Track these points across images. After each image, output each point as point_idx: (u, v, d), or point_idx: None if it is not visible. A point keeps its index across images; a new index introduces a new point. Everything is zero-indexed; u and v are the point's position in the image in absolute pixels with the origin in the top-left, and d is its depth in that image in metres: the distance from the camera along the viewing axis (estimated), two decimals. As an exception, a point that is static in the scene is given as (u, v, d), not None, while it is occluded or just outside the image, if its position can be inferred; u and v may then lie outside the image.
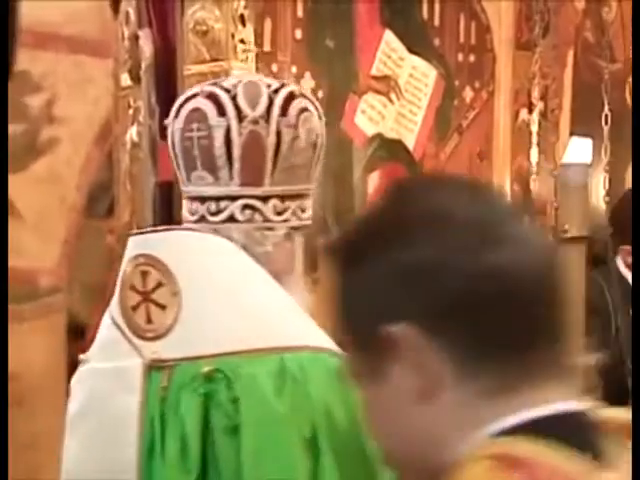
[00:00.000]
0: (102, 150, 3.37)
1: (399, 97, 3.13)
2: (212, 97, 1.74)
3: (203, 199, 1.75)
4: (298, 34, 2.92)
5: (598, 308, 3.38)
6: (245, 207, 1.74)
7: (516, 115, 3.44)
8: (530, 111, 3.44)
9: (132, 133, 2.83)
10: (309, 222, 1.81)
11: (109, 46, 2.99)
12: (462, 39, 3.32)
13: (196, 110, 1.73)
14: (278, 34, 2.87)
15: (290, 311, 1.72)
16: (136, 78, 2.78)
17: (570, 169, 3.06)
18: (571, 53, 3.64)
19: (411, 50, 3.16)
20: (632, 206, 2.62)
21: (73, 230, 3.46)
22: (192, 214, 1.77)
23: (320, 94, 2.95)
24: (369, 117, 3.06)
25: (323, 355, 1.63)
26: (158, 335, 1.69)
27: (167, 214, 2.59)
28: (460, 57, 3.32)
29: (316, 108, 1.82)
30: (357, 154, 3.04)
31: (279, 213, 1.76)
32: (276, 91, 1.75)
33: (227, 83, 1.78)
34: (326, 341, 1.63)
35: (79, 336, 3.45)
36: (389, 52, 3.11)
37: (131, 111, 2.84)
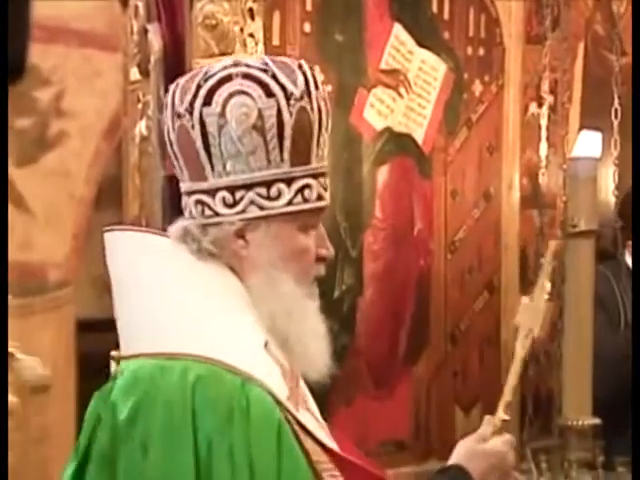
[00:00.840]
0: (111, 144, 3.38)
1: (408, 91, 3.13)
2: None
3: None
4: (307, 28, 2.92)
5: (607, 302, 3.38)
6: (197, 202, 1.70)
7: (525, 109, 3.44)
8: (540, 105, 3.43)
9: (141, 127, 2.83)
10: (293, 208, 1.68)
11: (118, 40, 3.00)
12: (472, 32, 3.31)
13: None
14: (287, 28, 2.88)
15: (180, 317, 1.64)
16: (145, 72, 2.79)
17: (579, 163, 3.05)
18: (581, 46, 3.63)
19: (420, 44, 3.16)
20: (632, 206, 2.62)
21: (82, 224, 3.47)
22: None
23: (329, 88, 2.95)
24: (378, 111, 3.06)
25: (178, 363, 1.57)
26: None
27: (176, 208, 2.60)
28: (469, 50, 3.32)
29: (262, 85, 1.67)
30: (366, 148, 3.04)
31: (230, 205, 1.67)
32: (206, 80, 1.68)
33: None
34: (212, 350, 1.58)
35: (88, 329, 3.46)
36: (398, 46, 3.11)
37: (140, 105, 2.85)
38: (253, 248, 1.68)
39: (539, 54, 3.39)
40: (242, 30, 2.66)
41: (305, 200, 1.69)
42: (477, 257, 3.30)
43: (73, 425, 3.15)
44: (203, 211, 1.69)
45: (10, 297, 3.29)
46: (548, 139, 3.35)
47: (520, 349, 2.07)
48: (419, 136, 3.16)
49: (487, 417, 1.99)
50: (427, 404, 3.18)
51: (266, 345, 1.63)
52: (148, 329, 1.65)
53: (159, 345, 1.61)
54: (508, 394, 2.03)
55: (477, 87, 3.33)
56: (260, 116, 1.65)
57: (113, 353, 2.34)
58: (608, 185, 3.33)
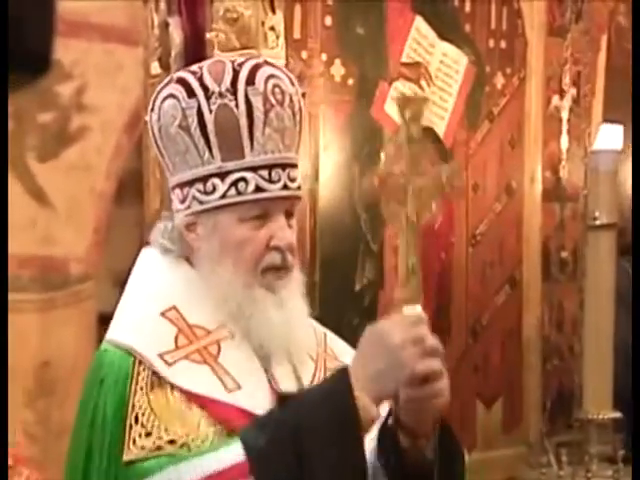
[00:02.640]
0: (132, 138, 3.39)
1: (429, 84, 3.14)
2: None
3: None
4: (328, 21, 2.94)
5: (627, 296, 3.38)
6: (170, 200, 1.85)
7: (548, 102, 3.44)
8: (562, 97, 3.43)
9: (162, 121, 2.85)
10: (225, 201, 1.77)
11: (139, 34, 3.01)
12: (493, 25, 3.32)
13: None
14: (308, 21, 2.89)
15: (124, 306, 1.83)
16: (166, 66, 2.80)
17: (600, 156, 3.05)
18: (604, 38, 3.63)
19: (442, 36, 3.17)
20: (632, 206, 2.62)
21: (103, 218, 3.49)
22: None
23: (350, 81, 2.96)
24: (399, 104, 3.07)
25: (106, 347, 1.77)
26: None
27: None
28: (491, 43, 3.32)
29: (185, 86, 1.77)
30: (387, 142, 3.05)
31: (181, 201, 1.81)
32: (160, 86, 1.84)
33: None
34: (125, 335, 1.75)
35: (109, 324, 3.48)
36: (419, 39, 3.12)
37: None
38: (201, 241, 1.80)
39: (561, 46, 3.39)
40: (263, 24, 2.68)
41: (239, 193, 1.76)
42: (498, 251, 3.30)
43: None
44: (171, 207, 1.85)
45: (32, 292, 3.33)
46: (569, 132, 3.35)
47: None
48: (441, 129, 3.17)
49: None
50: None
51: (165, 312, 1.77)
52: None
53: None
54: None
55: (499, 80, 3.34)
56: (184, 116, 1.76)
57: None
58: (630, 178, 3.33)
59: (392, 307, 1.79)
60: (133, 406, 1.68)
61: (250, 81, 1.76)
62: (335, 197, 2.96)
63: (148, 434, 1.66)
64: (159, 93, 1.81)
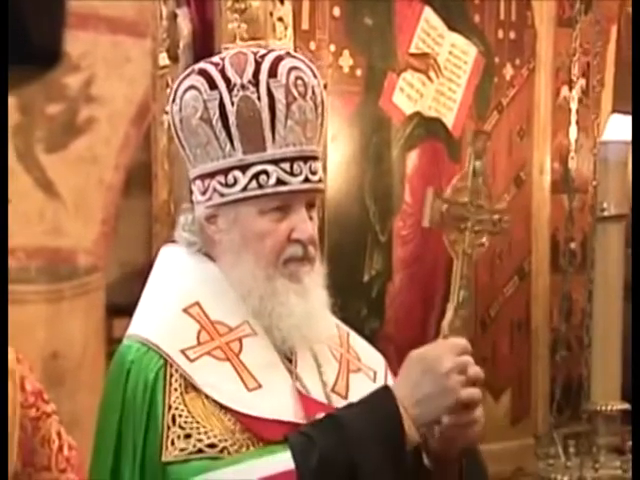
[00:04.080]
0: (140, 130, 3.41)
1: (438, 75, 3.15)
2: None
3: None
4: (336, 12, 2.94)
5: (636, 286, 3.39)
6: (190, 192, 1.86)
7: (557, 92, 3.44)
8: (571, 88, 3.43)
9: (170, 112, 2.86)
10: (246, 194, 1.77)
11: (147, 25, 3.02)
12: (502, 16, 3.32)
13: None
14: (316, 12, 2.90)
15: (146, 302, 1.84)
16: (174, 57, 2.82)
17: (609, 146, 3.06)
18: (614, 29, 3.63)
19: (451, 27, 3.17)
20: (632, 206, 2.63)
21: (111, 210, 3.50)
22: None
23: (358, 72, 2.97)
24: (408, 95, 3.08)
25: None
26: None
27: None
28: (500, 34, 3.33)
29: (207, 78, 1.78)
30: (395, 133, 3.06)
31: (202, 193, 1.81)
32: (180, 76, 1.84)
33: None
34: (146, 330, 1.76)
35: (117, 315, 3.50)
36: (428, 29, 3.12)
37: (169, 90, 2.87)
38: (222, 233, 1.80)
39: (571, 37, 3.40)
40: (271, 14, 2.69)
41: (260, 186, 1.76)
42: (507, 242, 3.31)
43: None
44: (192, 199, 1.85)
45: (40, 283, 3.34)
46: (578, 123, 3.35)
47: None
48: (449, 120, 3.18)
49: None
50: (457, 390, 3.20)
51: (188, 309, 1.78)
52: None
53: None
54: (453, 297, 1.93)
55: (508, 71, 3.34)
56: (206, 108, 1.76)
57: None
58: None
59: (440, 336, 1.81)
60: (169, 407, 1.68)
61: (272, 73, 1.76)
62: (343, 188, 2.97)
63: (187, 436, 1.67)
64: (180, 84, 1.81)
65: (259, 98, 1.75)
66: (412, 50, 3.09)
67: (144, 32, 3.11)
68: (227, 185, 1.77)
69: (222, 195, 1.77)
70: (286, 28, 2.73)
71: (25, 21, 0.91)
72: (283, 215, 1.78)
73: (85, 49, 3.24)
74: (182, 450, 1.66)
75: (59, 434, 1.66)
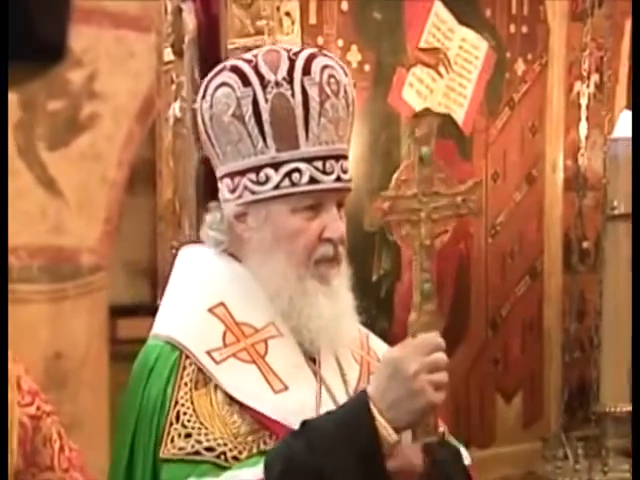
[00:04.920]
0: (144, 126, 3.42)
1: (448, 70, 3.15)
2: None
3: None
4: (344, 6, 2.95)
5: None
6: (219, 189, 1.88)
7: (570, 88, 3.44)
8: (584, 84, 3.43)
9: (175, 108, 2.87)
10: (279, 192, 1.79)
11: (151, 20, 3.03)
12: (514, 10, 3.32)
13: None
14: (324, 6, 2.90)
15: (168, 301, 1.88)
16: (179, 52, 2.82)
17: (620, 143, 3.05)
18: (628, 23, 3.63)
19: (461, 21, 3.17)
20: (632, 205, 2.63)
21: (115, 208, 3.51)
22: None
23: (367, 68, 2.98)
24: (417, 91, 3.08)
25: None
26: None
27: (211, 191, 2.64)
28: (512, 28, 3.32)
29: (240, 75, 1.80)
30: (404, 129, 3.06)
31: (231, 191, 1.82)
32: (210, 75, 1.88)
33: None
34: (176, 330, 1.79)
35: (121, 315, 3.51)
36: (438, 24, 3.12)
37: (174, 86, 2.88)
38: (252, 231, 1.82)
39: (584, 32, 3.39)
40: (278, 9, 2.69)
41: (293, 184, 1.78)
42: (519, 241, 3.31)
43: (106, 412, 3.21)
44: (219, 197, 1.87)
45: (43, 282, 3.36)
46: (588, 119, 3.35)
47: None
48: (459, 117, 3.18)
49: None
50: (466, 392, 3.20)
51: (213, 309, 1.80)
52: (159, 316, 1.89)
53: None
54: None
55: (520, 66, 3.34)
56: (239, 105, 1.78)
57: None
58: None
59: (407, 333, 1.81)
60: (176, 402, 1.71)
61: (306, 71, 1.78)
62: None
63: (188, 435, 1.69)
64: (211, 81, 1.82)
65: (293, 95, 1.77)
66: (422, 45, 3.10)
67: (148, 27, 3.12)
68: (259, 183, 1.78)
69: (253, 193, 1.79)
70: (293, 23, 2.73)
71: (29, 15, 0.91)
72: (315, 214, 1.80)
73: (88, 44, 3.26)
74: (180, 449, 1.68)
75: (60, 434, 1.68)
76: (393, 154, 3.05)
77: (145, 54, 3.21)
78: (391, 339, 3.03)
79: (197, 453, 1.68)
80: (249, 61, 1.80)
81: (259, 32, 2.64)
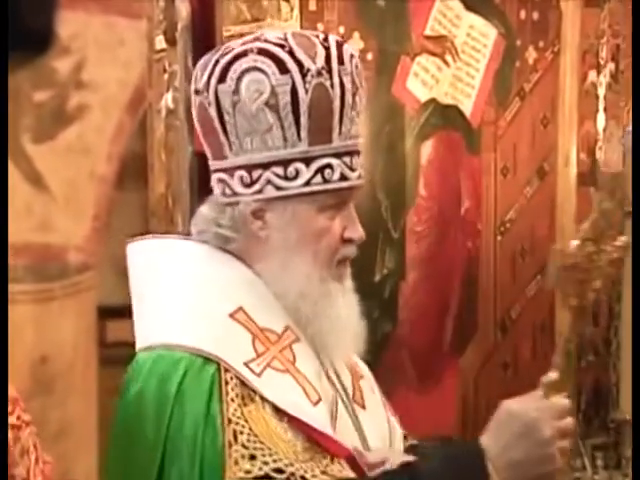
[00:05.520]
0: (134, 118, 3.42)
1: (455, 59, 3.15)
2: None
3: None
4: (346, -9, 2.95)
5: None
6: (218, 181, 1.80)
7: (584, 77, 3.44)
8: (599, 73, 3.43)
9: (167, 99, 2.87)
10: (310, 189, 1.75)
11: (142, 6, 3.04)
12: (525, -5, 3.33)
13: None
14: (324, -9, 2.90)
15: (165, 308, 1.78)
16: (171, 40, 2.82)
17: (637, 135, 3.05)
18: (646, 9, 3.63)
19: (469, 7, 3.17)
20: (632, 205, 2.63)
21: (104, 203, 3.52)
22: None
23: (369, 56, 2.97)
24: (422, 81, 3.08)
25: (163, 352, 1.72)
26: None
27: (204, 185, 2.64)
28: (523, 14, 3.33)
29: (276, 61, 1.73)
30: (409, 121, 3.06)
31: (247, 185, 1.76)
32: (223, 55, 1.77)
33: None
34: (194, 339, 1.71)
35: (110, 317, 3.51)
36: (445, 10, 3.13)
37: (166, 76, 2.88)
38: (271, 229, 1.76)
39: (599, 17, 3.39)
40: (276, -6, 2.70)
41: (325, 181, 1.75)
42: (530, 239, 3.32)
43: (95, 417, 3.21)
44: (224, 190, 1.79)
45: (28, 282, 3.36)
46: (607, 110, 3.35)
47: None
48: (467, 108, 3.18)
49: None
50: (475, 398, 3.21)
51: (234, 314, 1.74)
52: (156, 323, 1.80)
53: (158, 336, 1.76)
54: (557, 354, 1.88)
55: (531, 54, 3.34)
56: (273, 93, 1.72)
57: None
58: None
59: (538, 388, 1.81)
60: (229, 421, 1.64)
61: (341, 60, 1.75)
62: (353, 181, 2.98)
63: (252, 457, 1.64)
64: (232, 64, 1.74)
65: (332, 86, 1.74)
66: (427, 32, 3.10)
67: (139, 13, 3.12)
68: (287, 178, 1.73)
69: (279, 188, 1.74)
70: (292, 9, 2.73)
71: (15, 2, 0.92)
72: (335, 212, 1.78)
73: (75, 31, 3.26)
74: (247, 472, 1.63)
75: (35, 445, 1.68)
76: (397, 147, 3.05)
77: (136, 42, 3.21)
78: (395, 343, 3.05)
79: (267, 477, 1.63)
80: (281, 45, 1.74)
81: (256, 19, 2.64)
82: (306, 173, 1.74)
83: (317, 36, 1.78)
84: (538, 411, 1.71)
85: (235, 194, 1.77)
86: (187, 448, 1.65)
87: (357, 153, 1.81)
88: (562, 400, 1.74)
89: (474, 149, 3.21)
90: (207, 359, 1.68)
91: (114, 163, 3.47)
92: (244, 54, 1.74)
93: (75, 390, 3.32)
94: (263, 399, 1.68)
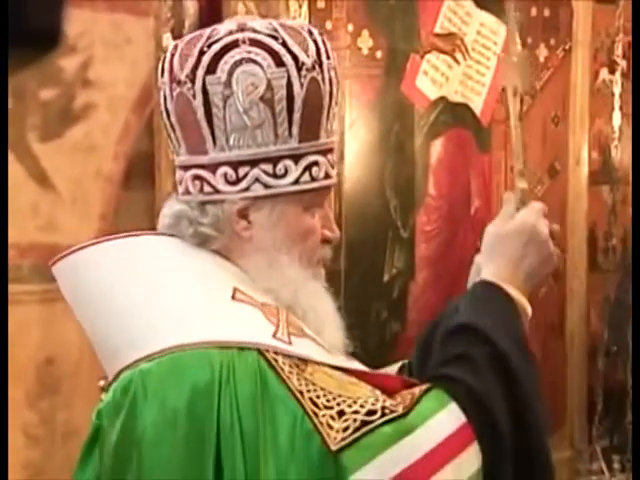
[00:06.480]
0: (141, 116, 3.42)
1: (465, 57, 3.16)
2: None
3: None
4: (355, -12, 2.96)
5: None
6: (195, 178, 1.72)
7: (596, 75, 3.45)
8: (611, 71, 3.44)
9: (175, 98, 2.88)
10: (299, 187, 1.70)
11: (149, 4, 3.04)
12: (536, -9, 3.33)
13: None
14: (333, -12, 2.91)
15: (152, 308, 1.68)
16: (179, 38, 2.83)
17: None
18: (658, 5, 3.63)
19: (479, 5, 3.18)
20: (632, 205, 2.63)
21: (110, 203, 3.52)
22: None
23: (379, 54, 2.98)
24: (432, 79, 3.09)
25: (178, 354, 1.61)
26: None
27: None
28: (534, 11, 3.34)
29: (271, 53, 1.67)
30: (419, 119, 3.08)
31: (232, 183, 1.69)
32: (210, 45, 1.69)
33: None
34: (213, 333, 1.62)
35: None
36: (455, 7, 3.14)
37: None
38: (257, 229, 1.71)
39: (612, 15, 3.40)
40: (284, -9, 2.71)
41: (313, 179, 1.71)
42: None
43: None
44: (202, 188, 1.71)
45: (34, 282, 3.37)
46: (621, 109, 3.36)
47: (513, 108, 2.05)
48: (477, 106, 3.19)
49: (506, 194, 1.97)
50: (485, 399, 3.21)
51: (234, 296, 1.67)
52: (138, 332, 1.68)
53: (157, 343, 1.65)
54: (517, 162, 2.01)
55: (542, 52, 3.35)
56: (269, 87, 1.66)
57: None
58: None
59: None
60: (301, 392, 1.57)
61: (327, 54, 1.72)
62: (362, 179, 2.99)
63: (340, 413, 1.57)
64: (222, 54, 1.67)
65: (323, 81, 1.70)
66: (437, 30, 3.11)
67: (146, 11, 3.12)
68: (276, 175, 1.68)
69: (267, 186, 1.69)
70: (300, 6, 2.74)
71: (23, 1, 0.92)
72: (314, 212, 1.75)
73: (82, 29, 3.26)
74: (345, 430, 1.56)
75: None
76: (406, 147, 3.06)
77: (143, 40, 3.21)
78: (404, 343, 3.05)
79: (364, 423, 1.56)
80: (273, 37, 1.68)
81: (264, 17, 2.65)
82: (295, 171, 1.69)
83: (302, 28, 1.74)
84: (532, 216, 1.85)
85: (217, 192, 1.70)
86: (276, 448, 1.56)
87: (334, 150, 1.77)
88: (539, 203, 1.89)
89: (484, 147, 3.22)
90: (240, 348, 1.60)
91: (121, 162, 3.47)
92: (235, 44, 1.67)
93: (82, 391, 3.32)
94: (312, 360, 1.63)
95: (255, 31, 1.69)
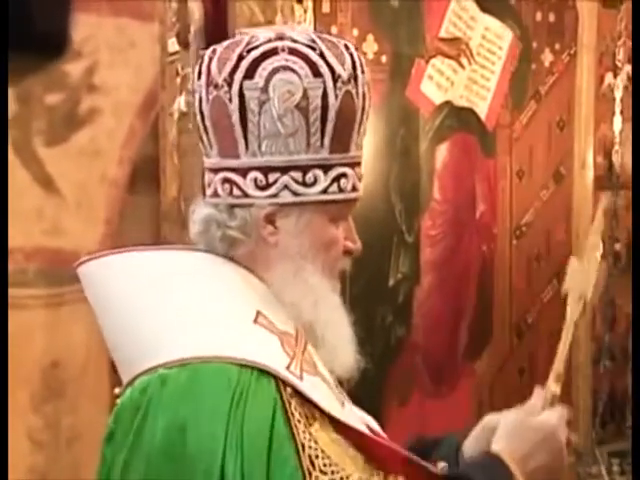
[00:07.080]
0: (147, 121, 3.43)
1: (470, 61, 3.16)
2: None
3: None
4: (360, -7, 2.97)
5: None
6: (224, 181, 1.73)
7: (601, 80, 3.45)
8: (616, 75, 3.44)
9: (180, 102, 2.89)
10: (327, 197, 1.72)
11: (154, 8, 3.05)
12: (541, -4, 3.34)
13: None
14: (338, -7, 2.92)
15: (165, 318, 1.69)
16: (184, 43, 2.84)
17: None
18: (663, 10, 3.63)
19: (484, 9, 3.19)
20: (632, 207, 2.63)
21: (116, 207, 3.52)
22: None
23: (384, 59, 2.99)
24: (437, 84, 3.10)
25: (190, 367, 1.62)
26: None
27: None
28: (539, 16, 3.34)
29: (309, 63, 1.69)
30: (424, 124, 3.08)
31: (261, 188, 1.71)
32: (249, 51, 1.71)
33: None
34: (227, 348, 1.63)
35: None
36: (460, 12, 3.14)
37: (179, 79, 2.90)
38: (283, 235, 1.73)
39: (616, 19, 3.40)
40: (289, -4, 2.71)
41: (340, 190, 1.74)
42: (545, 243, 3.32)
43: (107, 424, 3.22)
44: (231, 191, 1.73)
45: (39, 287, 3.37)
46: (623, 113, 3.36)
47: (571, 315, 2.06)
48: (482, 111, 3.19)
49: (537, 389, 1.95)
50: (490, 403, 3.22)
51: (256, 319, 1.68)
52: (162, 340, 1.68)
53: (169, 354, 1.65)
54: (559, 365, 1.96)
55: (547, 56, 3.35)
56: (305, 96, 1.69)
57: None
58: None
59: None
60: (303, 446, 1.59)
61: (362, 69, 1.74)
62: (367, 185, 2.96)
63: None
64: (261, 60, 1.69)
65: (357, 95, 1.73)
66: (442, 34, 3.11)
67: (151, 15, 3.13)
68: (305, 184, 1.71)
69: (296, 194, 1.71)
70: (305, 11, 2.75)
71: (28, 6, 0.93)
72: (339, 224, 1.77)
73: (87, 34, 3.26)
74: None
75: None
76: (411, 151, 3.06)
77: (148, 44, 3.22)
78: (409, 348, 3.06)
79: None
80: (312, 47, 1.71)
81: (269, 21, 2.66)
82: (324, 181, 1.71)
83: (339, 41, 1.76)
84: (555, 418, 1.82)
85: (246, 196, 1.72)
86: (254, 467, 1.57)
87: (361, 164, 1.80)
88: (562, 409, 1.85)
89: (489, 152, 3.22)
90: (261, 371, 1.61)
91: (126, 167, 3.47)
92: (274, 52, 1.70)
93: (87, 395, 3.33)
94: (321, 413, 1.64)
95: (294, 40, 1.72)
